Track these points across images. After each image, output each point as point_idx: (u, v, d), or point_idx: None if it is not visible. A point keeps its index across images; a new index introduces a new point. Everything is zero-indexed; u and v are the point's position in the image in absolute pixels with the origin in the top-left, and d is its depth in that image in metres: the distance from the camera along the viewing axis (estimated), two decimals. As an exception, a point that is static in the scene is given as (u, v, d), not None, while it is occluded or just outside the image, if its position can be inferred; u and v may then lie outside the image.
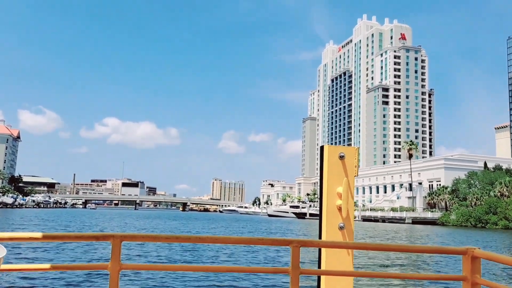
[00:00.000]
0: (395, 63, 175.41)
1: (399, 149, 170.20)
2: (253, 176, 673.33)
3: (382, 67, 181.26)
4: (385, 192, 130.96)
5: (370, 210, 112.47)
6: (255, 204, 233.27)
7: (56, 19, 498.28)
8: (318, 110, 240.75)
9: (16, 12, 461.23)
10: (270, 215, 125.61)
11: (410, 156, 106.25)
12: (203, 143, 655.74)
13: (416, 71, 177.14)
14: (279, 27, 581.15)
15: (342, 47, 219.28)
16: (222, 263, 18.69)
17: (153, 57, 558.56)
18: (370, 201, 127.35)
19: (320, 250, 2.86)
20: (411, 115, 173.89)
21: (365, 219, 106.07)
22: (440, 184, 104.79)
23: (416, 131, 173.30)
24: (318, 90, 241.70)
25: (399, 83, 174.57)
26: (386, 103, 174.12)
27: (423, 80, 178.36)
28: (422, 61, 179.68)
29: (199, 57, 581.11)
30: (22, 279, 12.21)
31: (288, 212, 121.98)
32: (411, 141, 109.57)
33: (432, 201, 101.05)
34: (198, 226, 50.87)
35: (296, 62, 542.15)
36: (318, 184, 3.09)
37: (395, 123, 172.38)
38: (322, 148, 3.04)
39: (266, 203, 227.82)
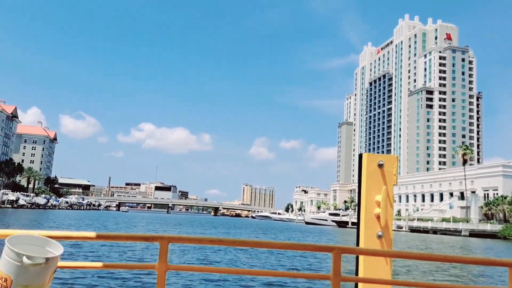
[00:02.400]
0: (440, 65, 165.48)
1: (445, 155, 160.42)
2: (283, 183, 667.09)
3: (425, 68, 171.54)
4: (432, 201, 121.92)
5: (417, 220, 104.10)
6: (288, 210, 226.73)
7: (95, 30, 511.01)
8: (354, 114, 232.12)
9: (57, 24, 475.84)
10: (307, 223, 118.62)
11: (465, 162, 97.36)
12: (235, 149, 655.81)
13: (463, 73, 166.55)
14: (310, 35, 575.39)
15: (381, 49, 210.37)
16: (264, 267, 18.90)
17: (188, 65, 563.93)
18: (417, 210, 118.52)
19: (357, 258, 2.84)
20: (457, 120, 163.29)
21: (413, 230, 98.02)
22: (497, 193, 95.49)
23: (463, 136, 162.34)
24: (355, 94, 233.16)
25: (444, 85, 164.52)
26: (430, 106, 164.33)
27: (470, 82, 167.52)
28: (470, 62, 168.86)
29: (231, 65, 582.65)
30: (76, 276, 12.76)
31: (327, 220, 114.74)
32: (466, 145, 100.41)
33: (489, 212, 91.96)
34: (244, 237, 45.35)
35: (327, 69, 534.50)
36: (355, 191, 2.88)
37: (440, 127, 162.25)
38: (360, 156, 3.02)
39: (300, 209, 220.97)
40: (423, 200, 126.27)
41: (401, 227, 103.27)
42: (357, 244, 2.93)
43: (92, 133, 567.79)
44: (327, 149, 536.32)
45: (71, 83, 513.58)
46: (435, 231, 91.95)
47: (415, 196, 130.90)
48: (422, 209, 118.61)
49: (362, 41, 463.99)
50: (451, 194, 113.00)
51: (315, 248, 2.38)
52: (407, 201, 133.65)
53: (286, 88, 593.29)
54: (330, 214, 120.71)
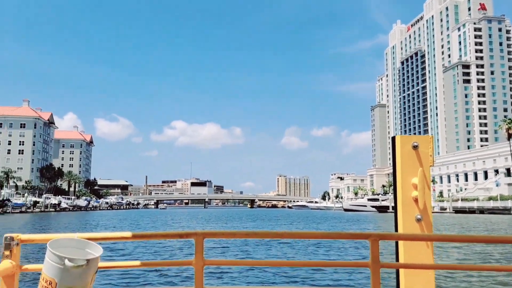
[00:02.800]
0: (475, 37, 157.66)
1: (486, 132, 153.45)
2: (317, 171, 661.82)
3: (460, 42, 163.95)
4: (476, 179, 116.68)
5: (462, 200, 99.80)
6: (325, 198, 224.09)
7: (120, 31, 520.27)
8: (387, 96, 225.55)
9: (88, 31, 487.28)
10: (346, 210, 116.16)
11: (510, 136, 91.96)
12: (266, 140, 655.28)
13: (500, 44, 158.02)
14: (335, 19, 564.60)
15: (412, 26, 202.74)
16: (300, 258, 18.82)
17: (212, 58, 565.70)
18: (461, 190, 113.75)
19: (397, 243, 2.77)
20: (497, 93, 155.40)
21: (458, 211, 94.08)
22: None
23: (505, 110, 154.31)
24: (387, 75, 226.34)
25: (481, 58, 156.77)
26: (468, 81, 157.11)
27: (509, 53, 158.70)
28: (507, 32, 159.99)
29: (257, 55, 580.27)
30: (116, 276, 13.02)
31: (366, 206, 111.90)
32: (510, 119, 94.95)
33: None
34: (284, 229, 44.08)
35: (355, 52, 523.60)
36: (392, 175, 2.92)
37: (479, 103, 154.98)
38: (393, 138, 2.91)
39: (336, 197, 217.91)
40: (466, 180, 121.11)
41: (445, 209, 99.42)
42: (396, 229, 2.82)
43: (127, 134, 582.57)
44: (359, 134, 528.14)
45: (103, 87, 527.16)
46: (482, 211, 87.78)
47: (457, 175, 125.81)
48: (465, 189, 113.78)
49: (390, 20, 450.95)
50: (497, 171, 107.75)
51: (351, 236, 2.36)
52: (449, 181, 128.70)
53: (314, 75, 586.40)
54: (369, 199, 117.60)
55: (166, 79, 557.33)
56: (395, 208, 2.85)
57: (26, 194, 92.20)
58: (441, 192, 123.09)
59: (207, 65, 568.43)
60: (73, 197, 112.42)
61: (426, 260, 2.67)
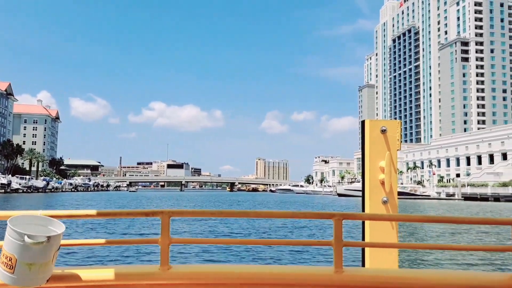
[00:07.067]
0: (475, 12, 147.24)
1: (484, 113, 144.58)
2: (296, 155, 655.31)
3: (459, 17, 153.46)
4: (480, 163, 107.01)
5: (469, 185, 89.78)
6: (308, 182, 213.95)
7: (102, 10, 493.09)
8: (376, 76, 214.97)
9: (66, 6, 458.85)
10: (340, 195, 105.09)
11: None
12: (247, 124, 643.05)
13: (502, 20, 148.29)
14: (316, 2, 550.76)
15: (405, 1, 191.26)
16: (265, 237, 19.23)
17: (195, 40, 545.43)
18: (467, 175, 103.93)
19: (363, 224, 2.86)
20: (497, 73, 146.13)
21: (467, 198, 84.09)
22: None
23: (504, 91, 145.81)
24: (376, 54, 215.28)
25: (481, 35, 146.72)
26: (466, 59, 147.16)
27: (510, 30, 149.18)
28: (509, 7, 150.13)
29: (239, 38, 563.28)
30: (79, 254, 12.78)
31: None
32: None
33: (561, 172, 77.31)
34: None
35: (337, 36, 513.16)
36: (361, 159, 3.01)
37: (478, 82, 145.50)
38: (363, 122, 2.98)
39: (321, 181, 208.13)
40: (468, 163, 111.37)
41: (452, 195, 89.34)
42: (363, 210, 2.81)
43: (103, 115, 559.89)
44: (340, 119, 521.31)
45: (79, 65, 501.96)
46: (497, 198, 77.81)
47: (457, 159, 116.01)
48: (469, 174, 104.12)
49: (373, 3, 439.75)
50: (504, 155, 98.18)
51: (316, 215, 2.40)
52: (448, 165, 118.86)
53: (294, 58, 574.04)
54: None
55: (145, 59, 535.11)
56: (362, 190, 2.89)
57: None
58: (441, 177, 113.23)
59: (187, 45, 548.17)
60: (27, 177, 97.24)
61: (390, 240, 2.75)
